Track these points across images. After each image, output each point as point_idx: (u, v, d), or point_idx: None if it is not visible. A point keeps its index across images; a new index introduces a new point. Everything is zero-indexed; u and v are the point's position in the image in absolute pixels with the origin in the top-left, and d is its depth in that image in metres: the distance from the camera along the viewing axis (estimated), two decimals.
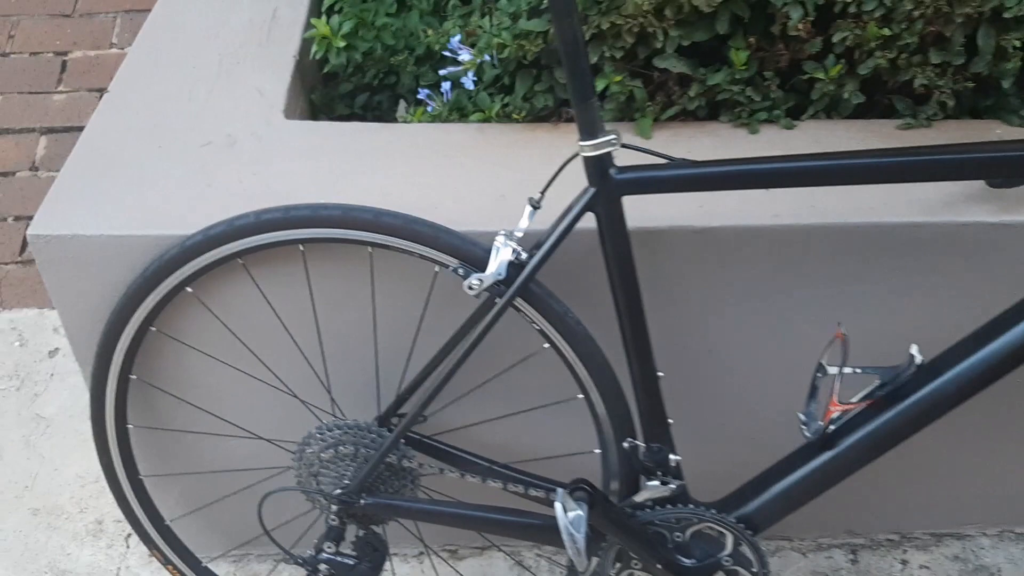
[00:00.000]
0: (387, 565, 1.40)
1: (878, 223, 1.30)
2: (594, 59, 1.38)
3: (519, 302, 1.22)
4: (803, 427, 1.23)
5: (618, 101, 1.42)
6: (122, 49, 2.89)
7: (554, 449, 1.52)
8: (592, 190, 1.12)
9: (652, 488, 1.27)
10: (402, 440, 1.32)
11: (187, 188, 1.36)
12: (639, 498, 1.28)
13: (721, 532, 1.29)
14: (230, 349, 1.41)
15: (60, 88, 2.81)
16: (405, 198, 1.30)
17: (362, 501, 1.32)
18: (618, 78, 1.38)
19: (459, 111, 1.50)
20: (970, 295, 1.37)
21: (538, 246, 1.17)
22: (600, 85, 1.38)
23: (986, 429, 1.56)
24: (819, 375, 1.21)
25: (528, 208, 1.17)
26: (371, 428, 1.33)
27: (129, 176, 1.38)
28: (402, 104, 1.71)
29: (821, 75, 1.39)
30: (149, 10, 1.72)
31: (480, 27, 1.43)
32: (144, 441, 1.51)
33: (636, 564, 1.33)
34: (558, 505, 1.17)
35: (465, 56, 1.43)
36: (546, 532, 1.30)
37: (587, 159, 1.10)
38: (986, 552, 1.76)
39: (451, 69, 1.48)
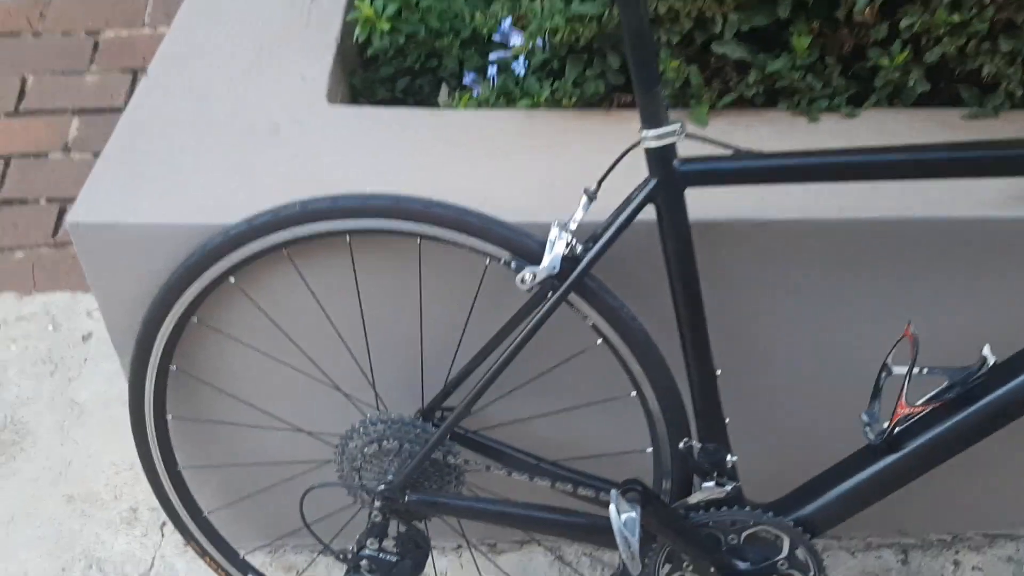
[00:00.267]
0: None
1: (949, 218, 1.25)
2: None
3: (572, 297, 1.19)
4: (866, 429, 1.19)
5: (673, 87, 1.37)
6: (155, 29, 2.86)
7: (604, 447, 1.48)
8: (654, 181, 1.08)
9: (708, 489, 1.23)
10: (447, 436, 1.28)
11: (229, 175, 1.33)
12: (693, 499, 1.25)
13: (778, 535, 1.25)
14: (273, 341, 1.38)
15: (92, 68, 2.78)
16: (454, 187, 1.26)
17: (406, 497, 1.29)
18: (674, 63, 1.33)
19: (506, 96, 1.46)
20: None
21: (594, 239, 1.13)
22: None
23: None
24: (884, 375, 1.17)
25: (583, 199, 1.13)
26: (415, 423, 1.31)
27: (170, 163, 1.35)
28: (444, 88, 1.67)
29: (886, 62, 1.34)
30: None
31: (531, 10, 1.38)
32: (183, 432, 1.48)
33: (687, 566, 1.30)
34: (612, 507, 1.14)
35: (516, 40, 1.39)
36: (594, 532, 1.27)
37: (649, 150, 1.06)
38: None
39: (501, 54, 1.44)
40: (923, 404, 1.15)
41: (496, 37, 1.45)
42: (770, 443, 1.51)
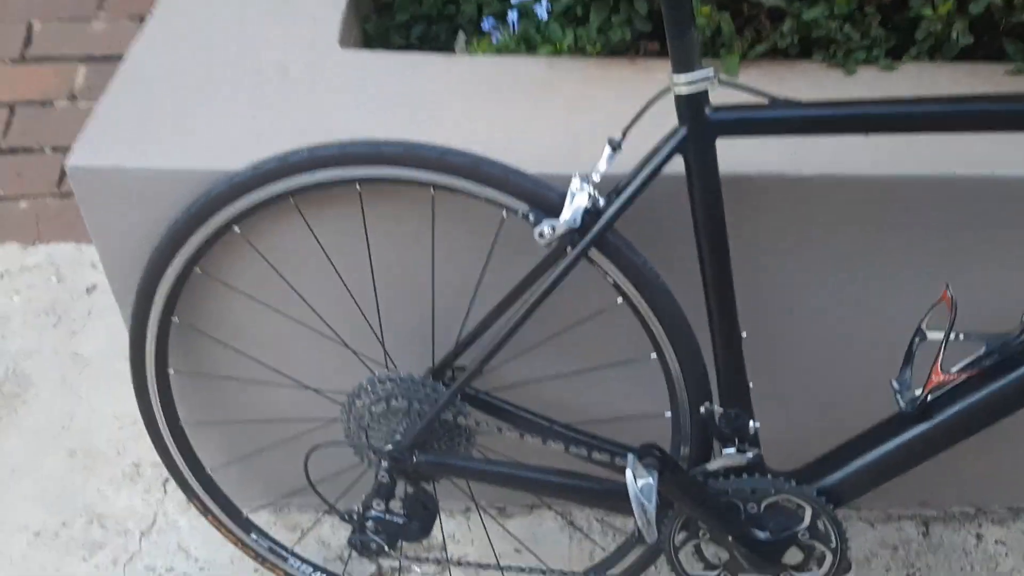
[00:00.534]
0: None
1: (990, 176, 1.19)
2: None
3: (593, 252, 1.13)
4: (897, 396, 1.14)
5: (703, 35, 1.31)
6: None
7: (620, 410, 1.44)
8: (683, 130, 1.02)
9: (729, 456, 1.19)
10: (458, 396, 1.24)
11: (236, 120, 1.27)
12: (713, 466, 1.20)
13: (800, 505, 1.21)
14: (279, 293, 1.34)
15: (100, 15, 2.72)
16: (470, 136, 1.20)
17: (415, 458, 1.25)
18: (705, 10, 1.27)
19: (526, 43, 1.40)
20: None
21: (617, 191, 1.08)
22: None
23: None
24: (918, 340, 1.12)
25: (607, 150, 1.08)
26: (425, 382, 1.26)
27: (174, 106, 1.29)
28: (461, 36, 1.61)
29: (928, 12, 1.28)
30: None
31: None
32: (185, 387, 1.45)
33: (704, 535, 1.25)
34: (629, 472, 1.10)
35: None
36: (608, 497, 1.23)
37: (680, 96, 1.00)
38: None
39: None
40: (959, 371, 1.10)
41: None
42: (794, 409, 1.46)
